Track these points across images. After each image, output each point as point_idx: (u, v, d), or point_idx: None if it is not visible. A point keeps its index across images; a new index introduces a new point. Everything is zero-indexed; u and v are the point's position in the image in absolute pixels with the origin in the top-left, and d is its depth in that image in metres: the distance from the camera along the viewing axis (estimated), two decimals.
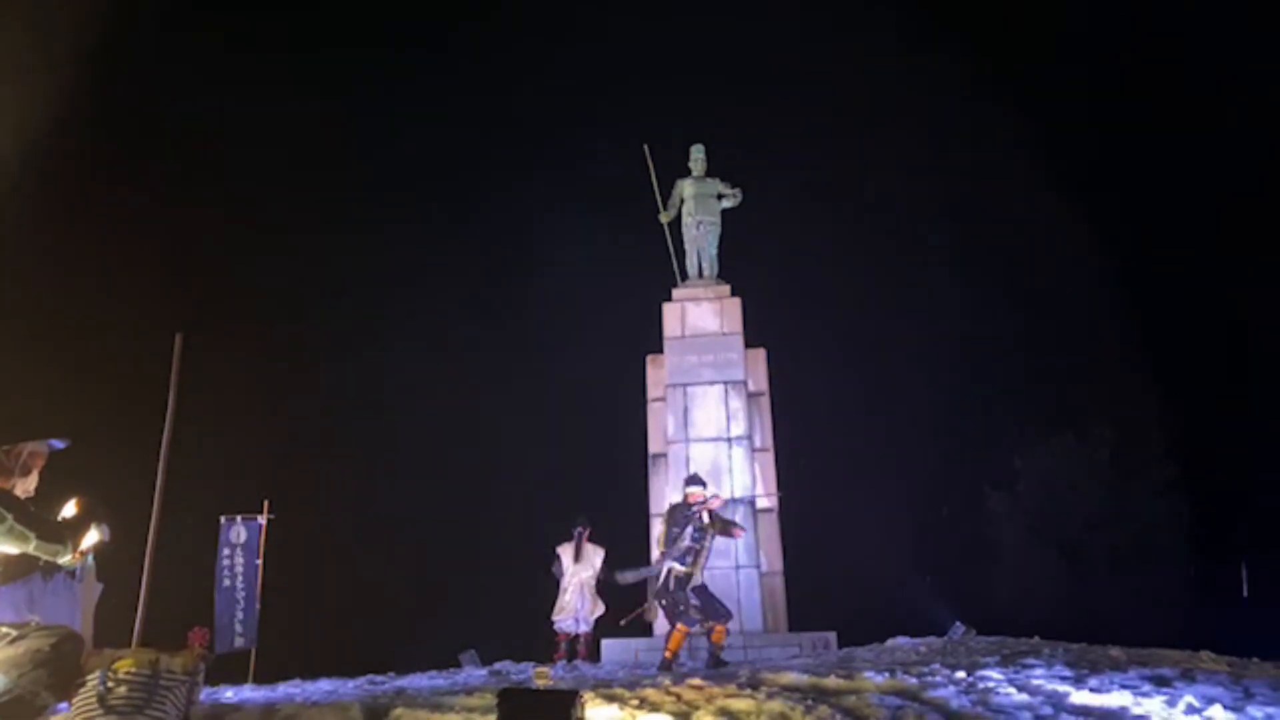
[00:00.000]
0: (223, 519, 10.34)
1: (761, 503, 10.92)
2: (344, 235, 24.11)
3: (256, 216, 21.12)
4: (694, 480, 8.14)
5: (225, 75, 21.81)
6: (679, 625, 7.45)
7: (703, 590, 7.63)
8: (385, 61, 25.85)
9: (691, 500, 7.83)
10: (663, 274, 12.36)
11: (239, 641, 9.91)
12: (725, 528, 7.96)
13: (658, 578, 7.67)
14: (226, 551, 10.14)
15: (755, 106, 25.05)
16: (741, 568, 10.14)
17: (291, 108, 21.37)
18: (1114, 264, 19.86)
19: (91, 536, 3.78)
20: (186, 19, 22.42)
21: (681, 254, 12.36)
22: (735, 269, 12.41)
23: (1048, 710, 4.19)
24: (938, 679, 5.02)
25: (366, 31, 27.80)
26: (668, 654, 7.42)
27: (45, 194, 17.01)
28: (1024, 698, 4.45)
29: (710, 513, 7.77)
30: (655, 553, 9.64)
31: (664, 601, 7.62)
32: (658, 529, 9.33)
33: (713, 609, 7.64)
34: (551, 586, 10.06)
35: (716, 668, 7.18)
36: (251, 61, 21.41)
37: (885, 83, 22.56)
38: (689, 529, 7.59)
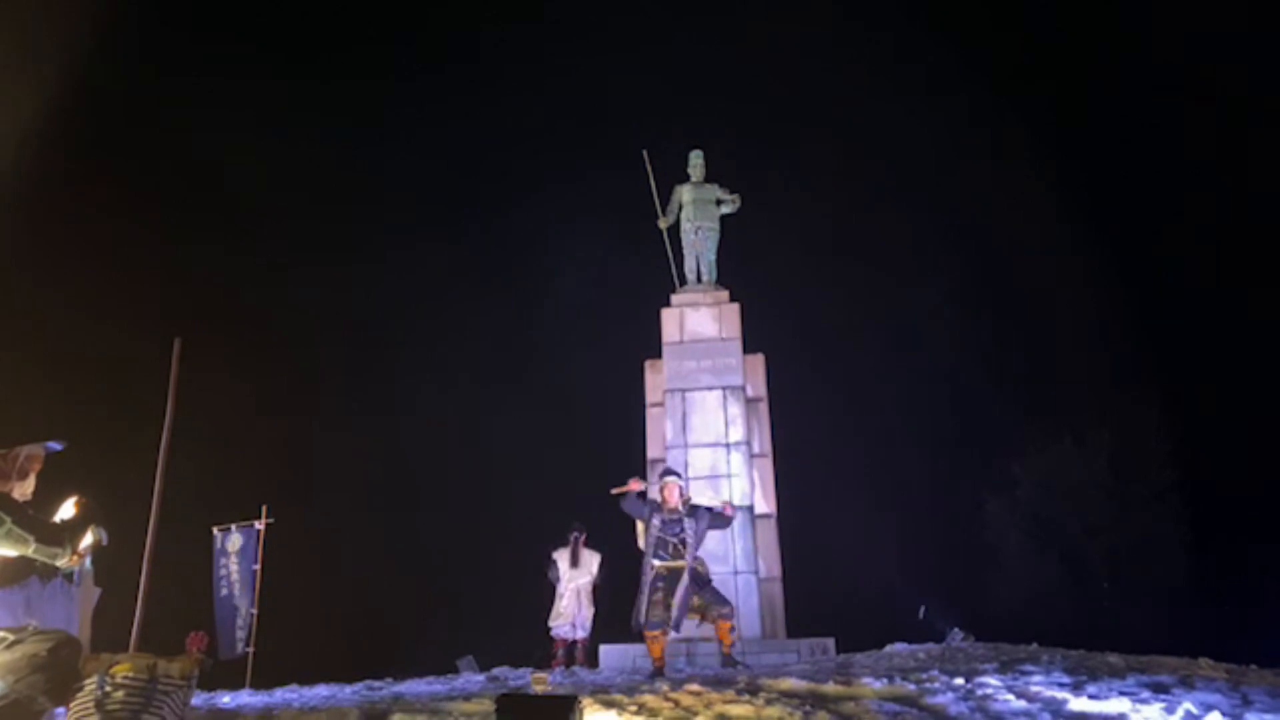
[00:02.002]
0: (215, 530, 10.36)
1: (760, 508, 10.91)
2: (343, 242, 24.17)
3: (257, 221, 21.17)
4: (669, 473, 7.69)
5: (227, 83, 21.87)
6: (647, 632, 7.04)
7: (694, 585, 7.12)
8: (388, 76, 25.92)
9: (666, 492, 7.38)
10: (661, 279, 12.38)
11: (233, 649, 9.92)
12: (714, 518, 7.41)
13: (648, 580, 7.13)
14: (222, 560, 10.17)
15: (754, 109, 25.13)
16: (740, 573, 10.12)
17: (294, 118, 21.46)
18: (1112, 268, 19.91)
19: (89, 538, 3.78)
20: (188, 23, 22.48)
21: (680, 259, 12.35)
22: (733, 274, 12.43)
23: (1046, 717, 4.19)
24: (936, 685, 5.01)
25: (368, 48, 27.89)
26: (657, 663, 7.15)
27: (44, 198, 17.05)
28: (1022, 704, 4.45)
29: (684, 499, 7.36)
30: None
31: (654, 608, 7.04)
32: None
33: (716, 597, 7.29)
34: (548, 592, 10.05)
35: (730, 666, 7.13)
36: (254, 74, 21.50)
37: (883, 85, 22.62)
38: (655, 520, 7.21)
